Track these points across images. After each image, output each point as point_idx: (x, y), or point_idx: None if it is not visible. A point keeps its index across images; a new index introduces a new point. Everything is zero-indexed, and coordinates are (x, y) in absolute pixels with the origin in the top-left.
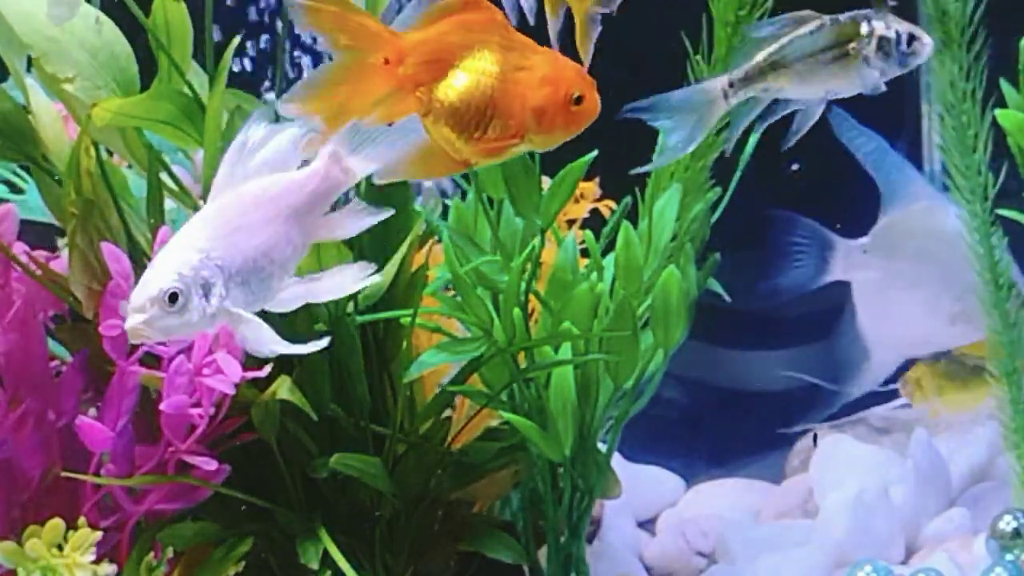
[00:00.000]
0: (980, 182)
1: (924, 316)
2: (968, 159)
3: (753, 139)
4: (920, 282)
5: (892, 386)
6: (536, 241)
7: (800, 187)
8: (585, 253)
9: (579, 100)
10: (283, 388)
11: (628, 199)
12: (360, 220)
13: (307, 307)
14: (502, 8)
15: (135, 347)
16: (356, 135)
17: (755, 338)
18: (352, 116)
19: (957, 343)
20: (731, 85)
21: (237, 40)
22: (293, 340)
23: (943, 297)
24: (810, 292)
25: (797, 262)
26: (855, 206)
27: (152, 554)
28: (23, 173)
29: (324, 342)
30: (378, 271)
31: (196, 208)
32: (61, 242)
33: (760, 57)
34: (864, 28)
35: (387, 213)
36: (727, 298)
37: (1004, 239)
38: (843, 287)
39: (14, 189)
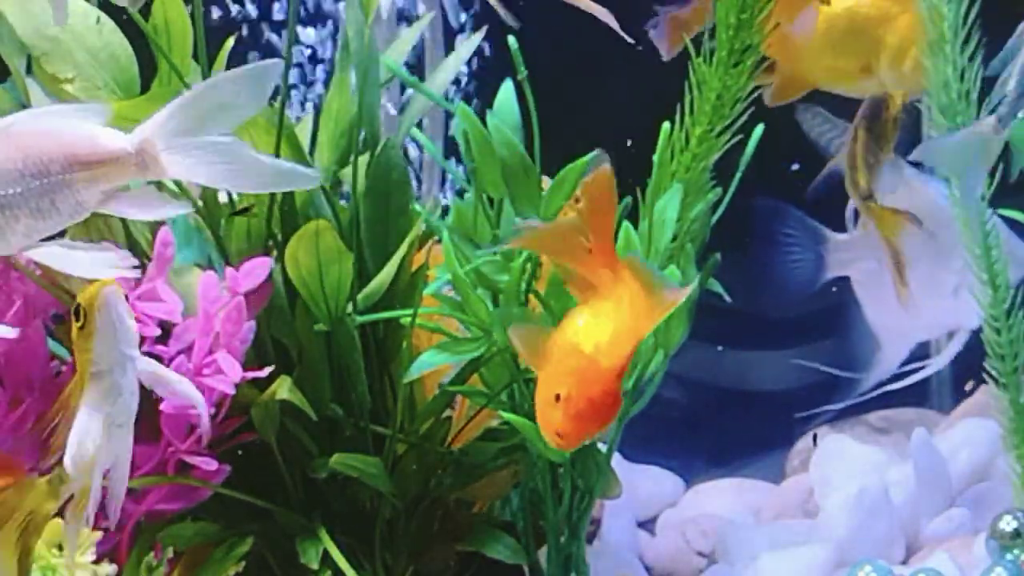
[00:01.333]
0: None
1: (926, 296)
2: None
3: (754, 139)
4: (915, 263)
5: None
6: None
7: (791, 184)
8: None
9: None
10: (283, 388)
11: (628, 199)
12: (154, 207)
13: (306, 307)
14: None
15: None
16: (184, 136)
17: (756, 338)
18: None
19: (966, 318)
20: (1000, 121)
21: (232, 41)
22: (293, 340)
23: (941, 273)
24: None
25: (793, 259)
26: (837, 200)
27: (152, 554)
28: None
29: None
30: (377, 271)
31: (196, 208)
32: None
33: (1013, 83)
34: None
35: (185, 208)
36: (727, 299)
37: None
38: (839, 283)
39: None
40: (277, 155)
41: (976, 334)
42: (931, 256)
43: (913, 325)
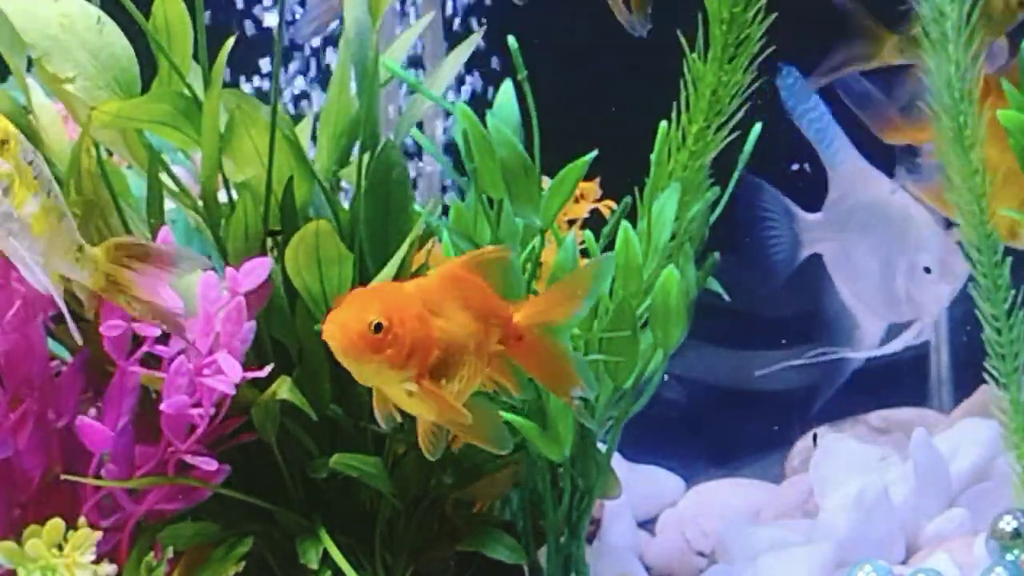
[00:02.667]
0: (977, 182)
1: (886, 284)
2: (964, 159)
3: (752, 138)
4: (872, 252)
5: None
6: (536, 241)
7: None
8: (585, 253)
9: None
10: (283, 388)
11: (628, 199)
12: None
13: (306, 307)
14: None
15: (135, 347)
16: None
17: (755, 338)
18: None
19: (924, 310)
20: None
21: (232, 40)
22: (293, 340)
23: (895, 269)
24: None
25: (772, 236)
26: (805, 181)
27: (152, 554)
28: None
29: None
30: (377, 271)
31: (196, 208)
32: None
33: None
34: None
35: None
36: (727, 298)
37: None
38: (820, 293)
39: None
40: (271, 155)
41: (977, 334)
42: (883, 249)
43: (880, 305)
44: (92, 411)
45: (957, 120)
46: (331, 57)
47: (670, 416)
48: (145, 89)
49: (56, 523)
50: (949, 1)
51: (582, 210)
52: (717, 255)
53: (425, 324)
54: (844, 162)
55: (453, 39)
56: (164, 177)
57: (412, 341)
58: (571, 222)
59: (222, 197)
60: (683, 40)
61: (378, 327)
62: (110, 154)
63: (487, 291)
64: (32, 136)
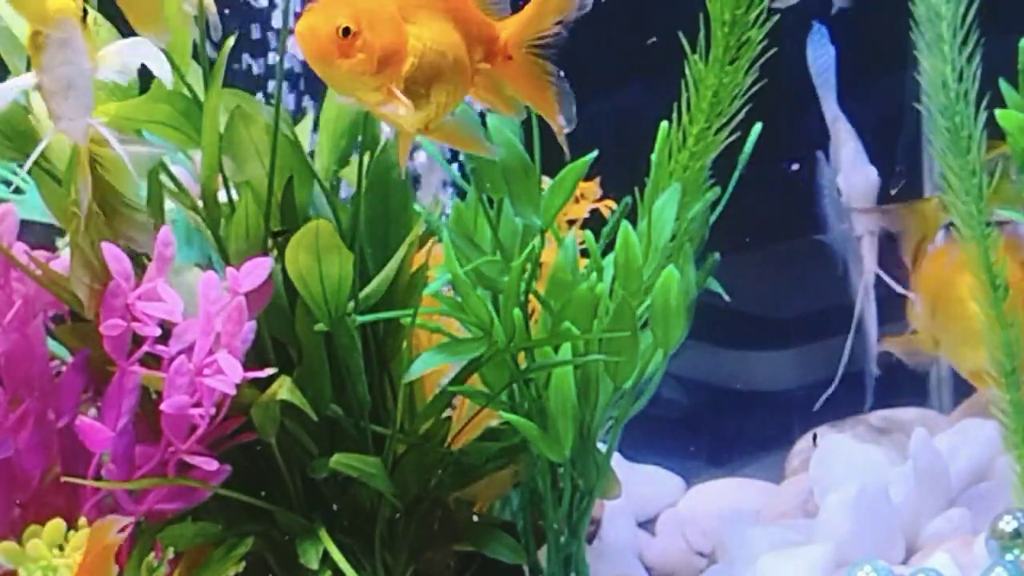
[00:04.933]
0: (975, 183)
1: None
2: (962, 160)
3: (752, 137)
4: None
5: None
6: (536, 241)
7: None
8: (585, 253)
9: None
10: (283, 388)
11: (628, 199)
12: None
13: (306, 307)
14: None
15: (135, 347)
16: None
17: (756, 338)
18: None
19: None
20: None
21: (232, 40)
22: (293, 340)
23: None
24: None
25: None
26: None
27: (152, 554)
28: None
29: None
30: (377, 271)
31: (195, 208)
32: (61, 242)
33: None
34: None
35: None
36: (726, 297)
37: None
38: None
39: (14, 189)
40: (273, 155)
41: None
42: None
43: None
44: (92, 411)
45: (953, 121)
46: None
47: (670, 416)
48: (144, 89)
49: (56, 523)
50: (945, 2)
51: (582, 210)
52: (717, 255)
53: (398, 31)
54: (834, 121)
55: None
56: (164, 177)
57: (383, 47)
58: (571, 222)
59: (222, 197)
60: (684, 42)
61: (346, 31)
62: None
63: (470, 5)
64: (32, 136)
